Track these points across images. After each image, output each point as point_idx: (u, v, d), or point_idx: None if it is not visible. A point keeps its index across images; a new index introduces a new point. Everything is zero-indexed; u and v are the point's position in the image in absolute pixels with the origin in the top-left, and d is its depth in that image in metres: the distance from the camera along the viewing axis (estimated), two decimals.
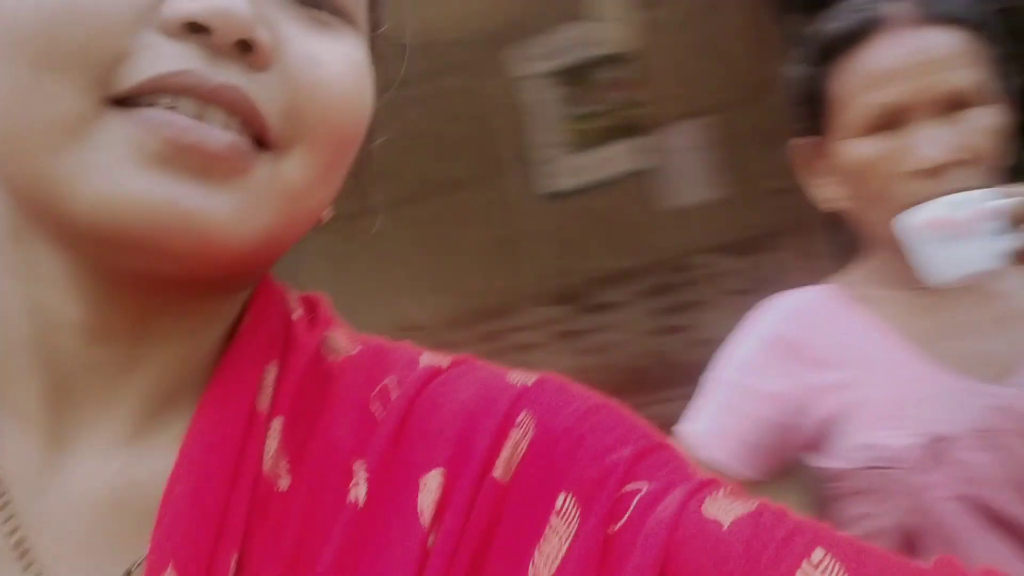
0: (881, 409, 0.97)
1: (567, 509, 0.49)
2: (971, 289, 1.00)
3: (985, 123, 0.95)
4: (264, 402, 0.52)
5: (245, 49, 0.48)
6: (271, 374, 0.54)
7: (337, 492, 0.51)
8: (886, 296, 1.03)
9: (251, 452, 0.50)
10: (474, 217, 5.69)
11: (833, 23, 1.03)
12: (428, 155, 5.58)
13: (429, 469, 0.51)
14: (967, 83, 0.95)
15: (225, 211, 0.47)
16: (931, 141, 0.94)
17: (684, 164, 5.23)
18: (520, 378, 0.56)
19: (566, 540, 0.49)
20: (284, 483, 0.51)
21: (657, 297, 5.35)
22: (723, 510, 0.48)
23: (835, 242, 4.57)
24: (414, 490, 0.51)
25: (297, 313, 0.59)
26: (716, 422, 1.05)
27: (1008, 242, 0.86)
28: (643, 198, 5.42)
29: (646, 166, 5.36)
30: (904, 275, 1.01)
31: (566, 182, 5.43)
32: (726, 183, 5.23)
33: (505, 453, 0.51)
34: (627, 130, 5.30)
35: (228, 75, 0.47)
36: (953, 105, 0.95)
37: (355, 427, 0.53)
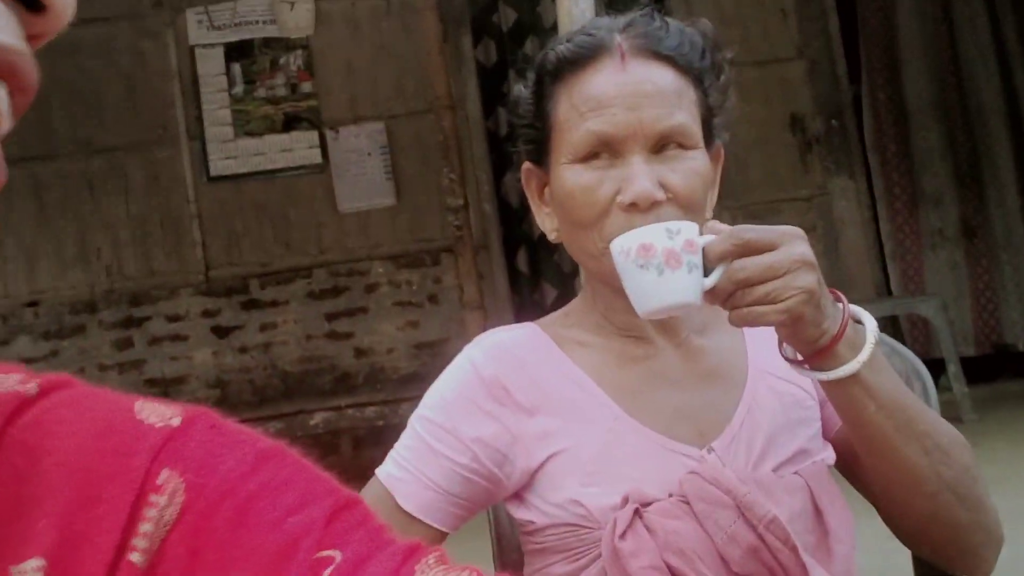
0: (583, 465, 0.94)
1: None
2: (677, 344, 1.00)
3: (693, 168, 0.95)
4: None
5: None
6: None
7: None
8: (591, 342, 1.00)
9: None
10: (127, 188, 5.22)
11: (560, 46, 0.99)
12: (85, 113, 5.05)
13: (25, 556, 0.37)
14: (682, 124, 0.95)
15: None
16: (641, 175, 0.92)
17: (359, 167, 5.15)
18: (156, 416, 0.42)
19: None
20: None
21: (322, 300, 5.22)
22: None
23: (508, 262, 4.66)
24: None
25: None
26: (415, 467, 0.98)
27: (707, 279, 0.86)
28: (315, 196, 5.28)
29: (320, 163, 5.23)
30: (612, 318, 1.00)
31: (235, 166, 5.14)
32: (400, 192, 5.24)
33: (145, 527, 0.39)
34: (301, 121, 5.13)
35: None
36: (665, 143, 0.95)
37: None
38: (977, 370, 4.65)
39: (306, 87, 5.11)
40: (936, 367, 4.56)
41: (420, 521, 0.96)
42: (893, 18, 5.06)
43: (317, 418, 4.40)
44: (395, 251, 5.09)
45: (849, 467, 1.01)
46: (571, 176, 0.96)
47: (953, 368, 4.37)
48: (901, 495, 0.93)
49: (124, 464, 0.40)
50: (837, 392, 0.89)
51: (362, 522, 0.42)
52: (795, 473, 0.95)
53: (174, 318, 5.06)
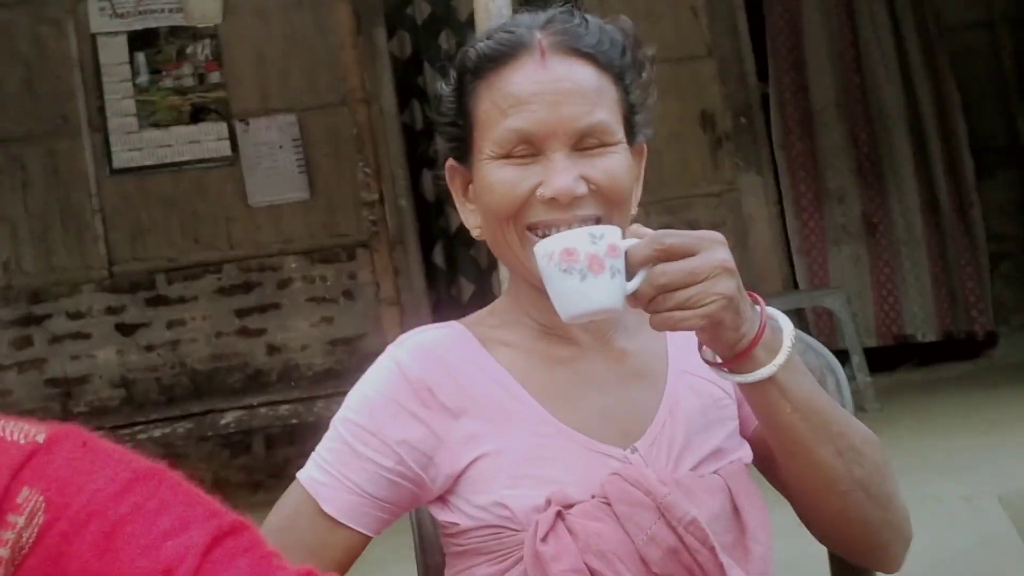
0: (508, 467, 0.93)
1: None
2: (602, 345, 1.01)
3: (615, 164, 0.95)
4: None
5: None
6: None
7: None
8: (517, 342, 0.99)
9: None
10: (30, 181, 5.00)
11: (480, 43, 0.99)
12: None
13: None
14: (602, 122, 0.94)
15: None
16: (562, 171, 0.92)
17: (270, 160, 5.04)
18: (20, 433, 0.40)
19: None
20: None
21: (233, 296, 5.11)
22: None
23: (424, 258, 4.65)
24: None
25: None
26: (338, 470, 0.96)
27: (629, 284, 0.86)
28: (225, 189, 5.15)
29: (229, 155, 5.10)
30: (536, 316, 1.00)
31: (140, 158, 4.97)
32: (314, 187, 5.15)
33: (2, 551, 0.37)
34: (209, 113, 4.99)
35: None
36: (587, 140, 0.94)
37: None
38: (879, 360, 4.81)
39: (214, 77, 4.98)
40: (840, 358, 4.71)
41: (344, 526, 0.95)
42: (799, 19, 5.19)
43: (228, 417, 4.30)
44: (309, 246, 5.01)
45: (765, 465, 1.03)
46: (493, 171, 0.96)
47: (857, 359, 4.51)
48: (814, 493, 0.95)
49: None
50: (754, 394, 0.91)
51: (248, 549, 0.39)
52: (715, 473, 0.97)
53: (76, 315, 4.88)
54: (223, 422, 4.32)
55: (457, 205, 1.04)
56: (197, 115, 4.96)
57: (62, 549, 0.37)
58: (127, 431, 4.33)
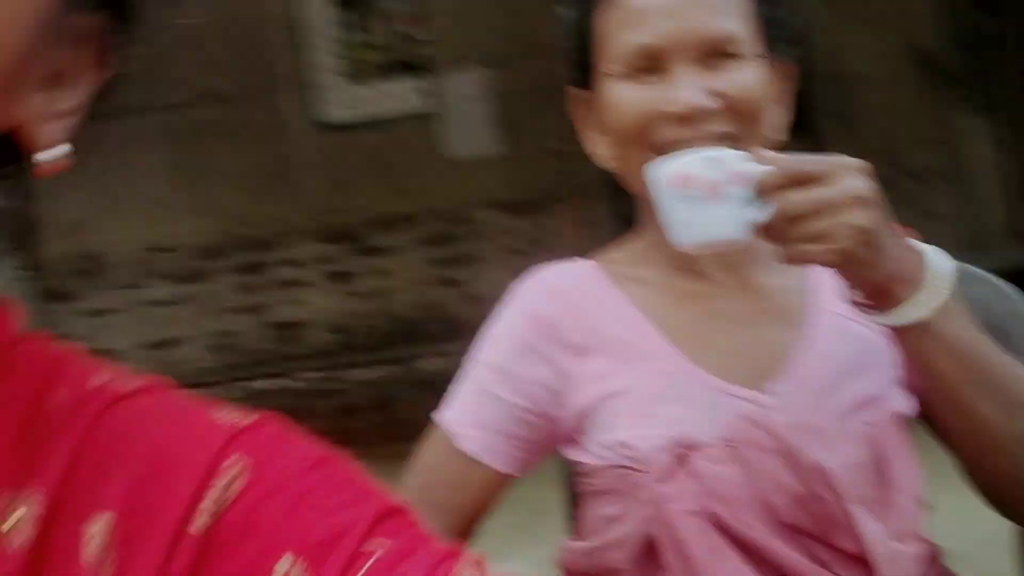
0: (636, 407, 0.91)
1: (295, 574, 0.43)
2: (737, 280, 0.95)
3: (747, 77, 0.89)
4: None
5: None
6: None
7: None
8: (648, 278, 0.96)
9: None
10: (243, 137, 5.34)
11: None
12: (194, 62, 5.20)
13: (95, 512, 0.43)
14: (731, 32, 0.89)
15: None
16: (687, 85, 0.87)
17: (467, 113, 5.14)
18: (232, 417, 0.47)
19: None
20: None
21: (434, 247, 5.27)
22: None
23: (615, 209, 4.61)
24: (76, 541, 0.43)
25: None
26: (472, 409, 0.96)
27: (755, 213, 0.79)
28: (424, 143, 5.29)
29: (428, 109, 5.23)
30: (664, 250, 0.95)
31: (343, 113, 5.21)
32: (510, 139, 5.20)
33: (207, 503, 0.44)
34: (408, 68, 5.14)
35: None
36: (715, 52, 0.88)
37: (7, 453, 0.44)
38: None
39: (413, 31, 5.15)
40: None
41: (480, 463, 0.96)
42: None
43: (435, 364, 4.49)
44: (504, 198, 5.10)
45: (929, 418, 0.96)
46: (614, 90, 0.92)
47: None
48: (976, 450, 0.88)
49: (196, 447, 0.45)
50: (903, 338, 0.84)
51: (409, 525, 0.45)
52: (863, 422, 0.91)
53: (292, 263, 5.22)
54: (430, 368, 4.51)
55: (583, 138, 1.01)
56: (396, 69, 5.15)
57: (257, 505, 0.44)
58: (342, 373, 4.62)
